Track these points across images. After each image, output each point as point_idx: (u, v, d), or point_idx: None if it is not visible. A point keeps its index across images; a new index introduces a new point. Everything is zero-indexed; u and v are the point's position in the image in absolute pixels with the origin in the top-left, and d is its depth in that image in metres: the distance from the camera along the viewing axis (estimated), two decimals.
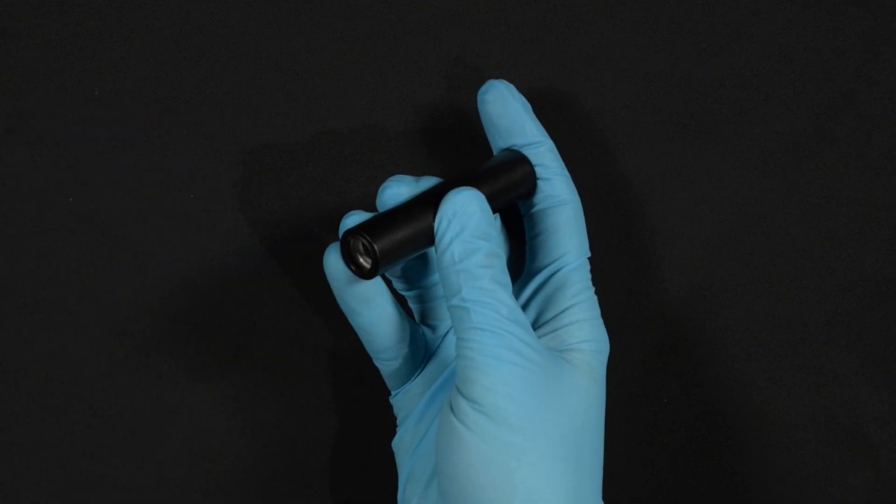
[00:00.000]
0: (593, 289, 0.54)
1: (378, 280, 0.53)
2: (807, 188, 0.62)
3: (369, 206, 0.60)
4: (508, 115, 0.55)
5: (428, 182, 0.53)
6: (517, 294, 0.55)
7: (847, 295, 0.62)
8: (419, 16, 0.62)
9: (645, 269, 0.62)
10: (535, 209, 0.55)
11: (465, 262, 0.50)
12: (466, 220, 0.50)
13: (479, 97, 0.56)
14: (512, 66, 0.62)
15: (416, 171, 0.62)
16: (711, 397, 0.61)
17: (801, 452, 0.61)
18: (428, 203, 0.51)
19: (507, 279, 0.51)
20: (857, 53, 0.63)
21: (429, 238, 0.51)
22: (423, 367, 0.56)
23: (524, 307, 0.55)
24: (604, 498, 0.60)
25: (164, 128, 0.62)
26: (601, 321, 0.54)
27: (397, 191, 0.53)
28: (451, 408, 0.49)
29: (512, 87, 0.56)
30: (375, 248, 0.50)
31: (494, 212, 0.54)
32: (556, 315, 0.54)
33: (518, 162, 0.55)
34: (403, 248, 0.50)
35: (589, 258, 0.55)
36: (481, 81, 0.62)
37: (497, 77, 0.58)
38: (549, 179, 0.55)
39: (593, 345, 0.53)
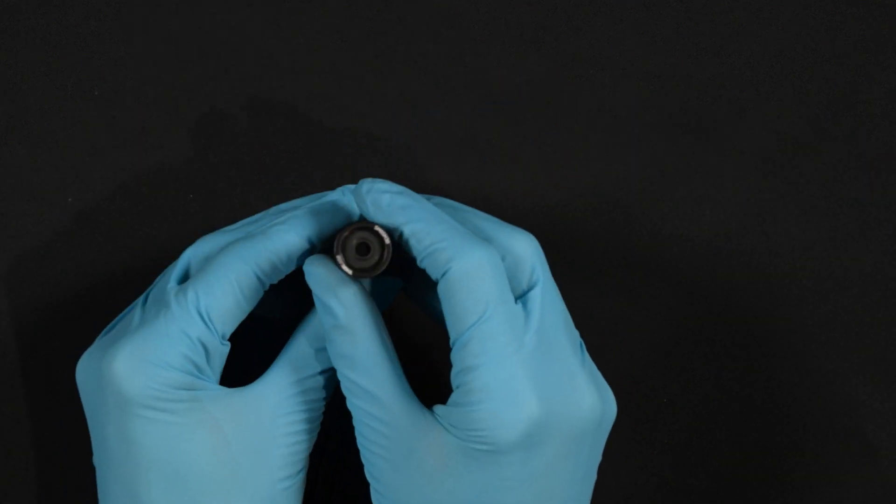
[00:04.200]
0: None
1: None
2: (807, 188, 0.62)
3: None
4: None
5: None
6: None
7: (847, 295, 0.62)
8: (419, 16, 0.62)
9: (645, 269, 0.62)
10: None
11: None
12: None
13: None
14: (512, 66, 0.62)
15: (415, 171, 0.62)
16: (711, 397, 0.61)
17: (801, 452, 0.61)
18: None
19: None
20: (857, 53, 0.63)
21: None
22: None
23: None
24: (604, 498, 0.60)
25: (163, 128, 0.62)
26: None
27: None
28: None
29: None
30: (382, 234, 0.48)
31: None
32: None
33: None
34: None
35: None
36: (481, 81, 0.62)
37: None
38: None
39: None
